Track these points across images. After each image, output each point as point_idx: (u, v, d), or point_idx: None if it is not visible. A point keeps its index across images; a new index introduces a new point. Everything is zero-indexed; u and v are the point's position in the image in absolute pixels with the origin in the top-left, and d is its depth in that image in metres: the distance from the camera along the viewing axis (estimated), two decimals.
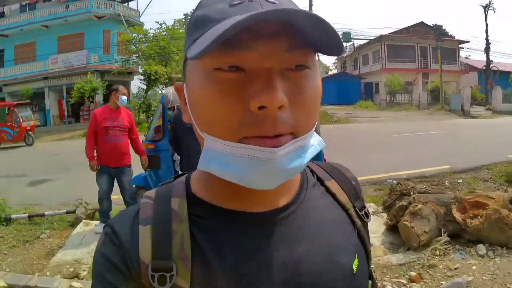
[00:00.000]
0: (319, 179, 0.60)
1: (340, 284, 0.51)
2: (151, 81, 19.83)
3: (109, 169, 4.14)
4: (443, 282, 2.85)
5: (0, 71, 24.72)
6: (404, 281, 2.92)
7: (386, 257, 3.41)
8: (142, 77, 20.86)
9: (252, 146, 0.42)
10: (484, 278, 2.85)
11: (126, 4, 26.83)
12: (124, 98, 4.20)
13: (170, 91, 4.57)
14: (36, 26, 23.77)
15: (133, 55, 22.38)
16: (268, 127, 0.42)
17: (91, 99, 20.52)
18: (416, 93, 28.50)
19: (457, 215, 3.42)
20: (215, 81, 0.43)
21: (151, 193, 0.55)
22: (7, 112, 16.11)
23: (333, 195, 0.59)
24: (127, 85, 23.69)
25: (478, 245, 3.33)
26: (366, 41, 31.54)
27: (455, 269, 3.03)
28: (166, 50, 20.95)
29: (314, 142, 0.49)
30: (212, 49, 0.38)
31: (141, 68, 20.89)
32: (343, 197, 0.59)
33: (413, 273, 3.01)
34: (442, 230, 3.48)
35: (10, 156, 12.66)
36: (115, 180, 4.23)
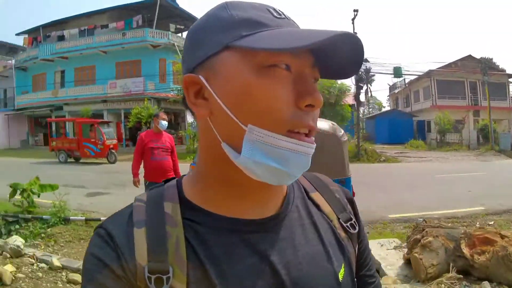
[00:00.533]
0: (305, 190, 0.64)
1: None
2: None
3: (155, 184, 4.81)
4: None
5: (61, 90, 26.77)
6: None
7: (393, 286, 3.63)
8: None
9: (297, 140, 0.47)
10: None
11: (180, 35, 28.44)
12: (164, 122, 4.82)
13: None
14: (95, 51, 25.50)
15: None
16: (311, 123, 0.49)
17: (148, 125, 21.07)
18: (466, 132, 27.46)
19: (466, 251, 3.52)
20: (271, 76, 0.47)
21: (143, 196, 0.57)
22: (90, 129, 17.15)
23: (317, 206, 0.62)
24: (182, 114, 25.04)
25: (483, 282, 3.38)
26: (416, 76, 30.92)
27: None
28: None
29: None
30: (305, 48, 0.44)
31: None
32: (326, 208, 0.62)
33: None
34: (451, 265, 3.64)
35: (79, 170, 13.72)
36: None
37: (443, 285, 3.45)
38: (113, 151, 16.37)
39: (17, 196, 5.97)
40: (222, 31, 0.49)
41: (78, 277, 3.79)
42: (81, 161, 16.80)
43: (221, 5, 0.52)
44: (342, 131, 5.26)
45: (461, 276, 3.52)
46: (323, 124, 5.16)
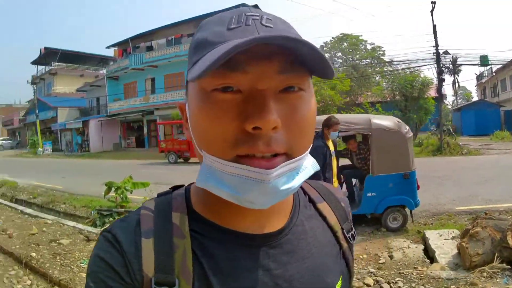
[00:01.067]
0: (311, 200, 0.63)
1: None
2: None
3: None
4: None
5: (152, 96, 28.69)
6: None
7: (439, 271, 3.79)
8: None
9: (246, 166, 0.44)
10: None
11: None
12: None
13: None
14: (182, 58, 26.78)
15: None
16: (262, 146, 0.44)
17: None
18: None
19: (511, 242, 3.56)
20: (211, 102, 0.45)
21: (151, 204, 0.56)
22: None
23: (324, 218, 0.62)
24: None
25: None
26: (502, 65, 28.16)
27: None
28: None
29: (308, 165, 0.50)
30: (209, 71, 0.40)
31: None
32: (332, 219, 0.62)
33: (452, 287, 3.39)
34: (496, 255, 3.66)
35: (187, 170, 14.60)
36: None
37: (485, 273, 3.57)
38: None
39: (112, 193, 6.97)
40: (189, 58, 0.50)
41: None
42: (190, 161, 17.35)
43: (201, 24, 0.53)
44: (407, 128, 5.50)
45: (504, 266, 3.57)
46: (389, 122, 5.48)
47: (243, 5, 25.36)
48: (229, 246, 0.52)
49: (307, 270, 0.55)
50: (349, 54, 35.86)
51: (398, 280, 3.66)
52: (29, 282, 4.24)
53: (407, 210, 5.44)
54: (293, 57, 0.44)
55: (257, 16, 0.48)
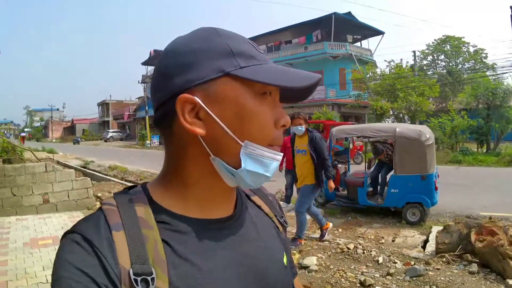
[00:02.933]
0: (246, 194, 0.73)
1: (279, 276, 0.66)
2: (377, 115, 21.90)
3: (291, 171, 7.13)
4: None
5: None
6: (400, 264, 4.31)
7: (410, 251, 4.79)
8: (370, 112, 23.26)
9: (274, 151, 0.59)
10: (447, 282, 3.71)
11: (358, 44, 29.91)
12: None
13: (334, 129, 7.25)
14: (282, 64, 29.37)
15: (366, 91, 24.61)
16: (281, 139, 0.60)
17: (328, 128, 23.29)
18: None
19: (473, 237, 4.29)
20: (263, 103, 0.57)
21: (111, 200, 0.58)
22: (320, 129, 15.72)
23: (259, 207, 0.73)
24: (363, 117, 26.30)
25: (473, 264, 4.09)
26: None
27: (438, 269, 4.08)
28: (393, 87, 22.41)
29: None
30: (296, 88, 0.57)
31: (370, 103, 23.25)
32: (266, 208, 0.74)
33: (412, 263, 4.37)
34: (460, 246, 4.46)
35: None
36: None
37: (444, 259, 4.41)
38: (360, 152, 15.26)
39: None
40: (221, 58, 0.55)
41: None
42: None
43: (211, 31, 0.59)
44: (428, 136, 6.36)
45: (461, 255, 4.38)
46: (411, 131, 6.47)
47: (335, 13, 26.16)
48: (195, 232, 0.57)
49: (260, 248, 0.64)
50: (452, 57, 33.93)
51: (373, 249, 4.76)
52: None
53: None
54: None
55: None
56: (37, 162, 8.32)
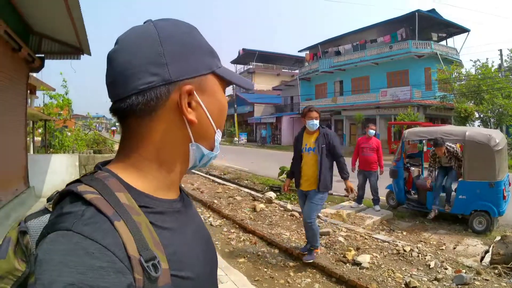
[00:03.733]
0: None
1: (211, 239, 0.76)
2: (461, 118, 20.66)
3: (363, 171, 7.62)
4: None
5: (340, 98, 30.82)
6: (450, 271, 4.37)
7: (465, 259, 4.81)
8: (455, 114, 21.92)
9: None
10: None
11: (444, 42, 28.18)
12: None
13: (406, 131, 7.50)
14: (368, 63, 28.31)
15: (452, 92, 23.31)
16: None
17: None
18: None
19: None
20: (226, 102, 0.70)
21: (87, 188, 0.54)
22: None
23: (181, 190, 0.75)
24: (449, 120, 24.85)
25: None
26: None
27: (486, 280, 4.09)
28: (479, 89, 21.06)
29: None
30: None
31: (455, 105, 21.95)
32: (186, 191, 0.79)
33: (463, 271, 4.41)
34: None
35: None
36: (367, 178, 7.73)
37: (496, 270, 4.37)
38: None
39: (283, 176, 9.36)
40: (209, 57, 0.65)
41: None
42: None
43: (194, 28, 0.66)
44: (498, 141, 6.25)
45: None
46: (480, 135, 6.42)
47: (418, 11, 24.61)
48: (168, 212, 0.62)
49: (199, 221, 0.75)
50: None
51: (429, 254, 4.87)
52: (208, 215, 7.37)
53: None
54: None
55: None
56: None
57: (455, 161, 6.80)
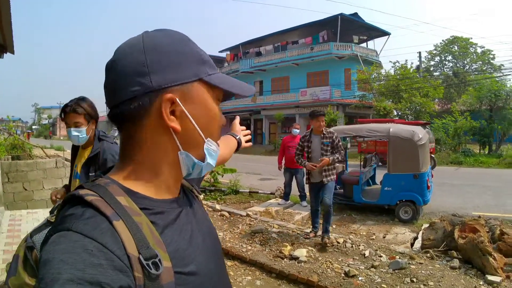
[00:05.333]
0: None
1: (216, 234, 0.79)
2: (381, 116, 21.79)
3: (289, 169, 7.52)
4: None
5: (259, 98, 31.25)
6: (385, 258, 4.52)
7: (397, 247, 4.99)
8: (374, 112, 23.31)
9: (218, 146, 0.71)
10: (427, 275, 3.95)
11: (364, 45, 29.89)
12: (294, 130, 7.42)
13: (331, 129, 7.55)
14: (288, 64, 29.18)
15: (371, 92, 24.65)
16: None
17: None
18: None
19: (456, 234, 4.47)
20: (218, 109, 0.69)
21: (88, 191, 0.57)
22: None
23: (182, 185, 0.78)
24: (368, 118, 25.86)
25: (454, 259, 4.30)
26: None
27: (421, 264, 4.29)
28: (398, 88, 22.49)
29: None
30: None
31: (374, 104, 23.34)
32: (184, 182, 0.79)
33: (397, 257, 4.55)
34: (445, 243, 4.65)
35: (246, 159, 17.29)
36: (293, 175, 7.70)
37: (429, 254, 4.60)
38: (432, 155, 13.56)
39: (208, 176, 9.21)
40: (196, 64, 0.64)
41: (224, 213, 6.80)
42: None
43: (183, 36, 0.66)
44: (421, 136, 6.53)
45: (445, 251, 4.57)
46: (404, 132, 6.65)
47: (341, 14, 26.22)
48: (169, 211, 0.64)
49: (202, 218, 0.75)
50: (459, 58, 33.88)
51: (362, 244, 4.97)
52: None
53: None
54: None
55: None
56: (47, 158, 8.66)
57: (331, 151, 5.09)
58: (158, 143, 0.63)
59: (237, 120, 1.40)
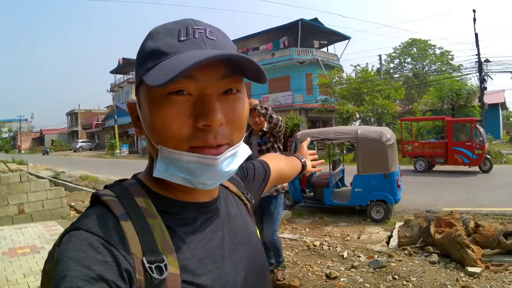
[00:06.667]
0: None
1: (257, 245, 0.72)
2: (343, 119, 22.22)
3: None
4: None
5: None
6: (363, 258, 4.43)
7: (374, 246, 4.92)
8: (337, 115, 23.59)
9: (200, 154, 0.54)
10: (409, 272, 3.89)
11: (325, 49, 30.43)
12: None
13: (299, 133, 7.37)
14: None
15: (333, 95, 24.95)
16: (211, 139, 0.54)
17: (294, 132, 22.64)
18: None
19: (432, 230, 4.48)
20: (168, 103, 0.53)
21: (107, 191, 0.58)
22: (462, 130, 13.46)
23: (227, 188, 0.76)
24: (330, 121, 26.60)
25: (432, 253, 4.31)
26: None
27: (400, 261, 4.26)
28: (360, 91, 22.91)
29: (243, 151, 0.61)
30: (175, 80, 0.48)
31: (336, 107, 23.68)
32: (233, 188, 0.77)
33: (375, 256, 4.47)
34: (421, 239, 4.63)
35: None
36: None
37: (406, 251, 4.57)
38: (488, 157, 12.64)
39: None
40: (141, 64, 0.56)
41: None
42: (434, 169, 13.68)
43: (154, 32, 0.58)
44: (389, 136, 6.56)
45: (422, 247, 4.54)
46: (372, 133, 6.69)
47: (302, 20, 26.79)
48: (192, 215, 0.60)
49: (240, 224, 0.69)
50: (418, 59, 35.26)
51: (339, 246, 4.87)
52: None
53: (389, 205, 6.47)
54: (233, 65, 0.54)
55: (202, 29, 0.56)
56: (10, 172, 8.12)
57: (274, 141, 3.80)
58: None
59: (306, 143, 1.34)
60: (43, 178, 12.00)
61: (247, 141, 3.93)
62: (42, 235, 6.12)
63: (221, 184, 0.72)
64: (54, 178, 15.09)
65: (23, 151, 55.89)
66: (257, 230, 0.76)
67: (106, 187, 0.60)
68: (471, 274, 3.71)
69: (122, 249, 0.49)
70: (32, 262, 4.75)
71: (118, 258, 0.48)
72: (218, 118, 0.53)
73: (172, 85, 0.52)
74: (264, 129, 3.80)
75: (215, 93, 0.55)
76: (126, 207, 0.54)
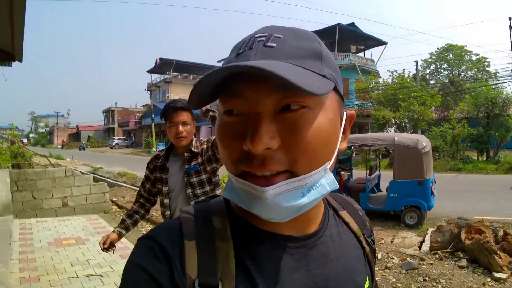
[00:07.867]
0: (334, 209, 0.67)
1: None
2: (379, 124, 22.09)
3: None
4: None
5: None
6: (396, 260, 4.79)
7: (407, 249, 5.25)
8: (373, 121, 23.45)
9: (246, 182, 0.48)
10: (438, 274, 4.25)
11: (362, 54, 30.41)
12: None
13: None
14: None
15: (369, 101, 24.93)
16: (256, 165, 0.46)
17: None
18: None
19: (463, 236, 4.75)
20: (221, 123, 0.51)
21: (190, 209, 0.58)
22: None
23: (346, 224, 0.66)
24: (366, 126, 26.60)
25: (462, 258, 4.57)
26: None
27: (431, 264, 4.58)
28: (396, 97, 22.75)
29: (324, 182, 0.50)
30: (197, 100, 0.48)
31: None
32: (354, 226, 0.67)
33: (408, 259, 4.83)
34: (452, 244, 4.92)
35: None
36: None
37: (437, 255, 4.87)
38: None
39: None
40: None
41: None
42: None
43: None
44: (425, 144, 6.84)
45: (452, 252, 4.84)
46: (409, 140, 6.99)
47: (339, 24, 26.78)
48: (271, 248, 0.53)
49: (340, 269, 0.58)
50: (454, 65, 34.45)
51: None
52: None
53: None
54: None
55: (264, 37, 0.49)
56: (53, 167, 8.72)
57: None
58: None
59: None
60: (83, 173, 12.89)
61: (159, 165, 2.63)
62: (86, 228, 6.52)
63: (340, 218, 0.66)
64: (92, 173, 15.09)
65: (59, 146, 57.64)
66: (368, 283, 0.63)
67: (195, 202, 0.62)
68: (497, 280, 3.99)
69: (179, 266, 0.50)
70: (78, 252, 5.04)
71: (173, 274, 0.49)
72: (261, 142, 0.45)
73: (224, 104, 0.50)
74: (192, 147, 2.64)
75: (266, 111, 0.47)
76: (198, 226, 0.54)
